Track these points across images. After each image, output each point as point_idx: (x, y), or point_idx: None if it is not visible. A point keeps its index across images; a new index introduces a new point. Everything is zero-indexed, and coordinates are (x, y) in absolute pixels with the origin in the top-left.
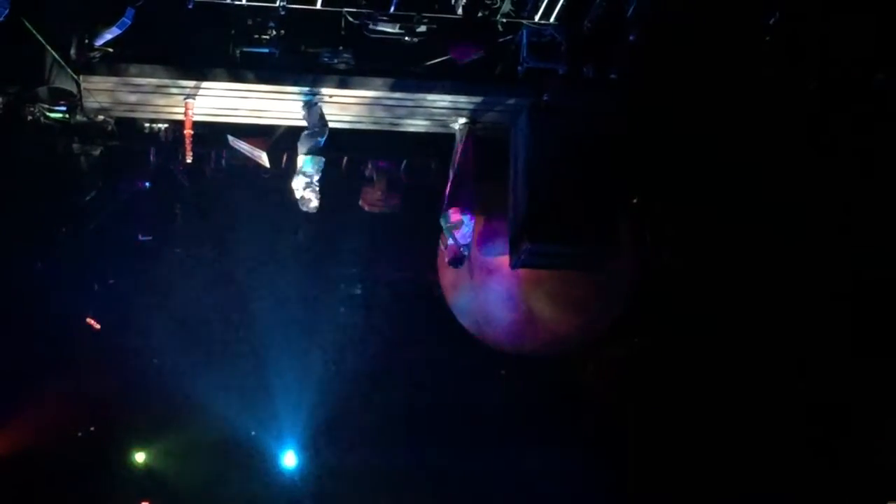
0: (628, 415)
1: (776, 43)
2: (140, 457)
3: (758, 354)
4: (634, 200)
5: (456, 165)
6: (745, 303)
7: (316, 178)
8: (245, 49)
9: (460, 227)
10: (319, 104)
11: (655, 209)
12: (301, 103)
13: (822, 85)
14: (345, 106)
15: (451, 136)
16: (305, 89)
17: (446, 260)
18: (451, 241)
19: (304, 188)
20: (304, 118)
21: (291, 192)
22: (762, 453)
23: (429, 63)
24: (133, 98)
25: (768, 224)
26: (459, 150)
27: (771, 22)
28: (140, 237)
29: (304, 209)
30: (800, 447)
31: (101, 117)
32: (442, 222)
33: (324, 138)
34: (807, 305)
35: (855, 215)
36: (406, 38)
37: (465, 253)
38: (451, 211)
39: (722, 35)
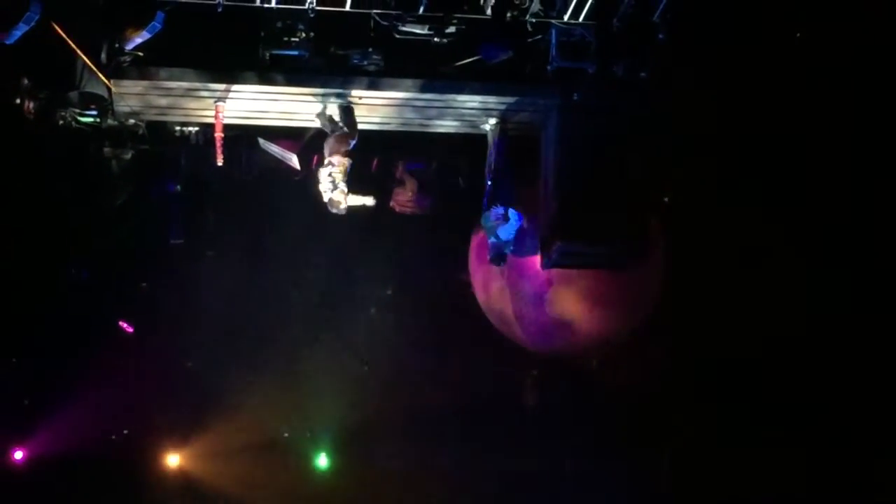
0: (660, 416)
1: (807, 41)
2: (173, 460)
3: (787, 354)
4: (665, 199)
5: (492, 165)
6: (776, 303)
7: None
8: (274, 52)
9: (505, 224)
10: (348, 105)
11: (685, 208)
12: (329, 105)
13: (853, 81)
14: (374, 107)
15: (481, 137)
16: (334, 91)
17: (488, 257)
18: (492, 240)
19: (332, 191)
20: (321, 122)
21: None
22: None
23: (458, 64)
24: (163, 102)
25: (800, 223)
26: (494, 150)
27: (799, 21)
28: (171, 240)
29: (334, 211)
30: (830, 448)
31: (131, 121)
32: (483, 222)
33: (354, 141)
34: (836, 304)
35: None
36: (435, 39)
37: (508, 251)
38: (493, 209)
39: (752, 32)
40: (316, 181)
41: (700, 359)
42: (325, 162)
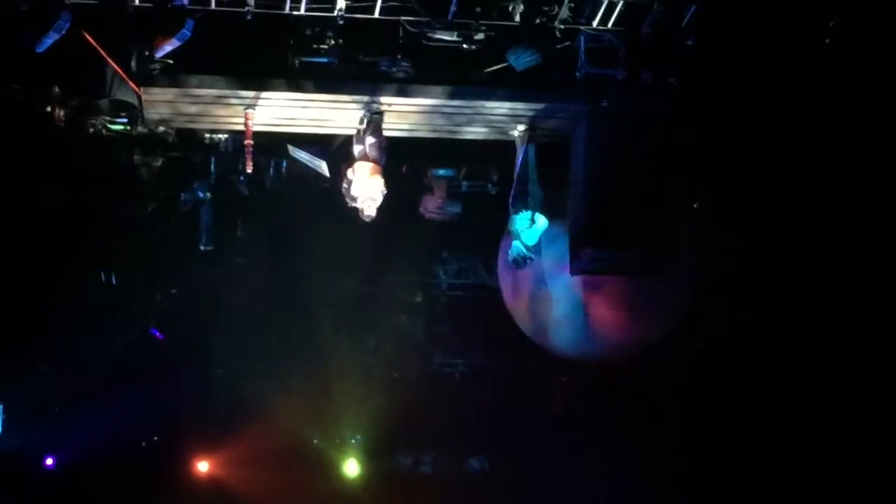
0: (693, 421)
1: (837, 46)
2: (203, 466)
3: (816, 360)
4: (695, 205)
5: (520, 171)
6: (806, 308)
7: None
8: (304, 59)
9: (530, 228)
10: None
11: (716, 214)
12: (360, 113)
13: (885, 87)
14: (403, 114)
15: (510, 144)
16: (363, 98)
17: (509, 260)
18: (516, 244)
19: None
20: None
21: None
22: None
23: (487, 70)
24: (193, 109)
25: (832, 229)
26: (522, 156)
27: (831, 25)
28: (201, 247)
29: (363, 217)
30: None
31: (161, 128)
32: (510, 226)
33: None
34: (870, 313)
35: None
36: (464, 46)
37: (532, 256)
38: (520, 214)
39: (782, 38)
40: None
41: (730, 361)
42: (354, 169)
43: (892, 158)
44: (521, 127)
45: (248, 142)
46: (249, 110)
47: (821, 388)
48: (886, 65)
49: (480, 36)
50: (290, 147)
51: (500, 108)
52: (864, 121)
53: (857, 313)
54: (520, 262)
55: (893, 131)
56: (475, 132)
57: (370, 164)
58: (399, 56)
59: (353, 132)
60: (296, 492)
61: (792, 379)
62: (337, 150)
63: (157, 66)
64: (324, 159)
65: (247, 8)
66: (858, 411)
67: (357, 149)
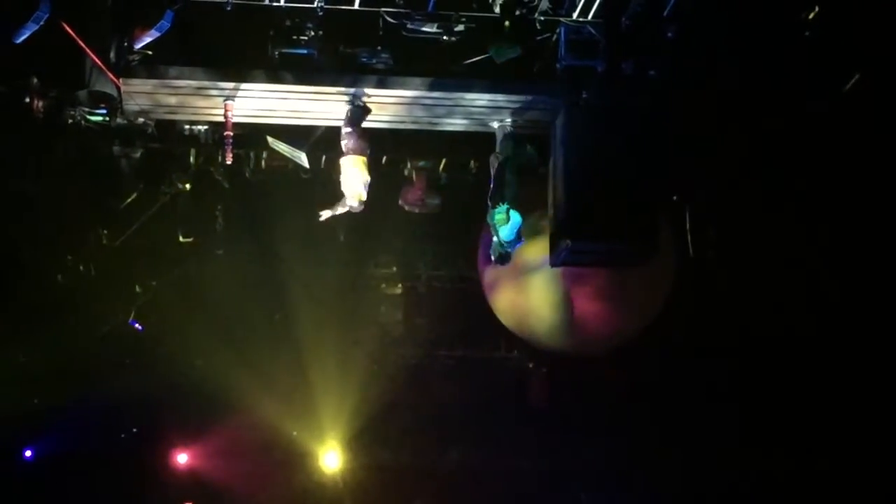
0: (670, 414)
1: (815, 38)
2: (182, 458)
3: (797, 352)
4: (674, 198)
5: (498, 163)
6: (785, 300)
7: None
8: (283, 50)
9: (506, 224)
10: (361, 104)
11: (696, 206)
12: (343, 104)
13: (862, 80)
14: (383, 106)
15: (490, 135)
16: (344, 89)
17: (492, 258)
18: (496, 239)
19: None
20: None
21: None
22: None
23: (467, 62)
24: (173, 100)
25: (812, 221)
26: (500, 148)
27: (810, 17)
28: (181, 238)
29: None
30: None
31: (141, 120)
32: (489, 220)
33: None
34: (852, 303)
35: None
36: (444, 38)
37: (511, 250)
38: (497, 208)
39: (760, 30)
40: (337, 179)
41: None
42: (346, 160)
43: (876, 150)
44: (501, 118)
45: (228, 133)
46: (229, 101)
47: (806, 381)
48: (868, 56)
49: (460, 27)
50: (269, 138)
51: (479, 99)
52: (849, 112)
53: (840, 303)
54: (503, 259)
55: (878, 123)
56: (455, 124)
57: (354, 157)
58: (379, 48)
59: (333, 123)
60: (275, 484)
61: (774, 368)
62: (316, 141)
63: (137, 57)
64: (303, 150)
65: None
66: (842, 403)
67: (342, 143)
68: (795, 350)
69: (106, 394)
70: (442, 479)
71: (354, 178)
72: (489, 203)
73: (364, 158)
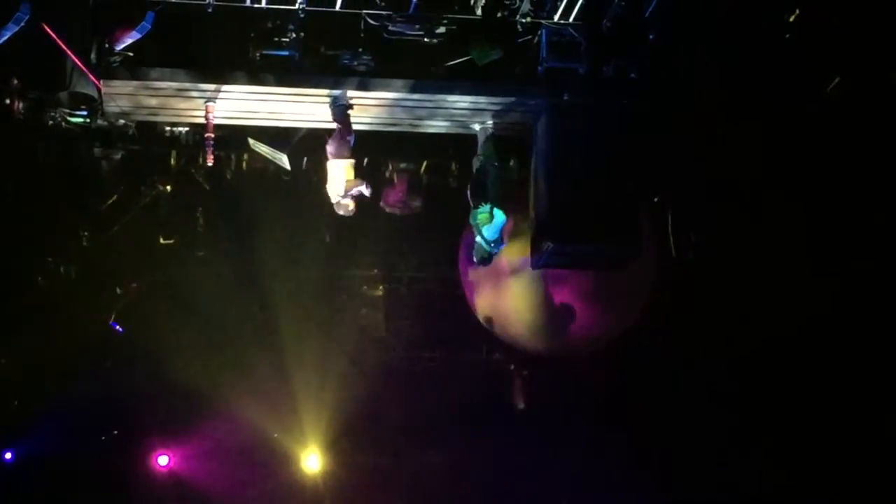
0: (651, 415)
1: (796, 39)
2: (163, 460)
3: (781, 350)
4: (655, 199)
5: (479, 164)
6: (769, 300)
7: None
8: (265, 52)
9: (489, 224)
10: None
11: (677, 207)
12: (327, 105)
13: (843, 82)
14: (365, 108)
15: (471, 137)
16: (325, 92)
17: (474, 259)
18: (478, 239)
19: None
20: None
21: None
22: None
23: (449, 64)
24: (153, 102)
25: (791, 221)
26: (482, 150)
27: (791, 19)
28: (162, 240)
29: (341, 213)
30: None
31: (121, 121)
32: (471, 220)
33: (352, 139)
34: (835, 303)
35: (881, 211)
36: (425, 40)
37: (496, 251)
38: (479, 208)
39: (742, 32)
40: (323, 183)
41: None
42: (332, 164)
43: (863, 149)
44: (483, 120)
45: (209, 135)
46: (210, 103)
47: (800, 382)
48: (849, 58)
49: (442, 30)
50: (250, 140)
51: (461, 101)
52: (833, 112)
53: (822, 303)
54: (486, 260)
55: (864, 122)
56: (436, 126)
57: (338, 161)
58: (360, 49)
59: (314, 125)
60: (256, 487)
61: (759, 371)
62: (298, 143)
63: (118, 58)
64: (284, 152)
65: (208, 0)
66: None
67: (328, 148)
68: (781, 353)
69: (86, 395)
70: (424, 481)
71: (339, 182)
72: (471, 203)
73: (350, 162)
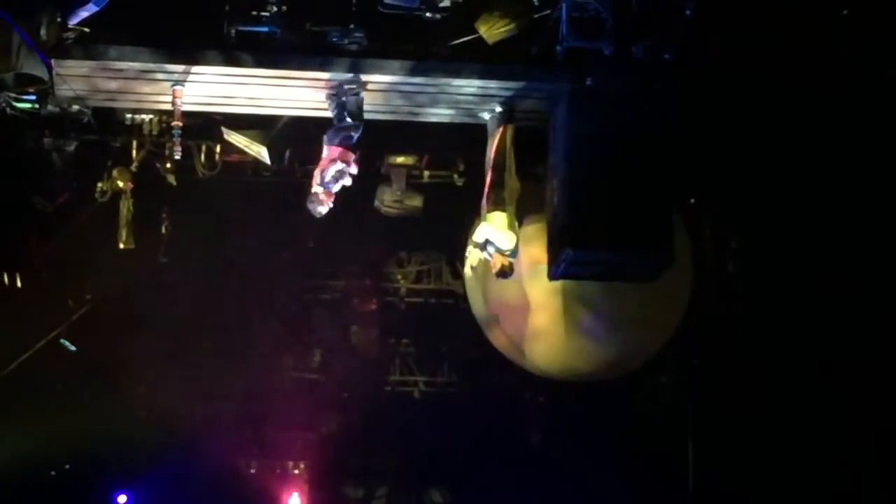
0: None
1: (855, 16)
2: (122, 499)
3: (828, 373)
4: (692, 200)
5: (492, 161)
6: (819, 318)
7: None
8: (241, 28)
9: (507, 229)
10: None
11: (716, 210)
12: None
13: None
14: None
15: (479, 127)
16: (311, 74)
17: (493, 272)
18: (491, 248)
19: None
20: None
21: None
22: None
23: (454, 43)
24: (113, 85)
25: (846, 226)
26: (495, 144)
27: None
28: (121, 245)
29: (312, 211)
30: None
31: (75, 107)
32: (481, 230)
33: (358, 133)
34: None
35: None
36: (427, 15)
37: (512, 260)
38: (493, 213)
39: (793, 7)
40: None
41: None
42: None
43: None
44: (495, 108)
45: (177, 123)
46: (178, 87)
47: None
48: None
49: (446, 3)
50: (224, 129)
51: (468, 86)
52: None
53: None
54: (506, 272)
55: None
56: (439, 114)
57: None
58: (352, 26)
59: (298, 113)
60: None
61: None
62: (279, 133)
63: (71, 34)
64: (264, 144)
65: None
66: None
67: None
68: (828, 374)
69: (33, 424)
70: None
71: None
72: (484, 205)
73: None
